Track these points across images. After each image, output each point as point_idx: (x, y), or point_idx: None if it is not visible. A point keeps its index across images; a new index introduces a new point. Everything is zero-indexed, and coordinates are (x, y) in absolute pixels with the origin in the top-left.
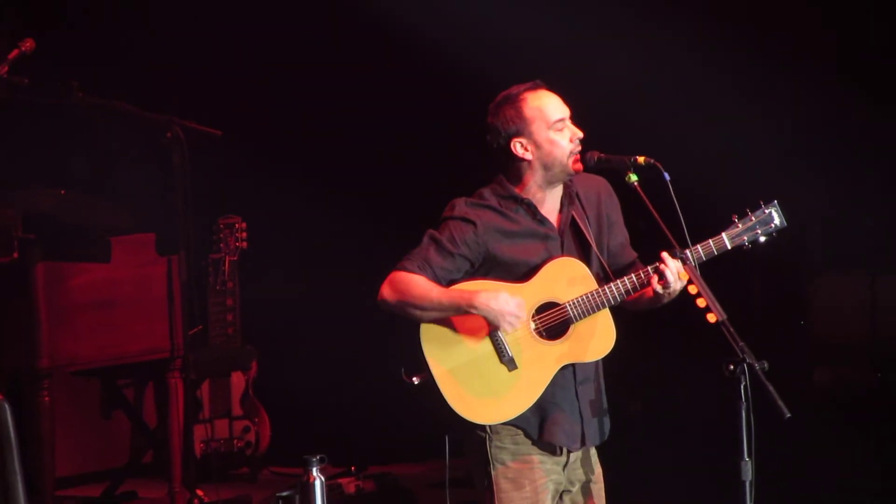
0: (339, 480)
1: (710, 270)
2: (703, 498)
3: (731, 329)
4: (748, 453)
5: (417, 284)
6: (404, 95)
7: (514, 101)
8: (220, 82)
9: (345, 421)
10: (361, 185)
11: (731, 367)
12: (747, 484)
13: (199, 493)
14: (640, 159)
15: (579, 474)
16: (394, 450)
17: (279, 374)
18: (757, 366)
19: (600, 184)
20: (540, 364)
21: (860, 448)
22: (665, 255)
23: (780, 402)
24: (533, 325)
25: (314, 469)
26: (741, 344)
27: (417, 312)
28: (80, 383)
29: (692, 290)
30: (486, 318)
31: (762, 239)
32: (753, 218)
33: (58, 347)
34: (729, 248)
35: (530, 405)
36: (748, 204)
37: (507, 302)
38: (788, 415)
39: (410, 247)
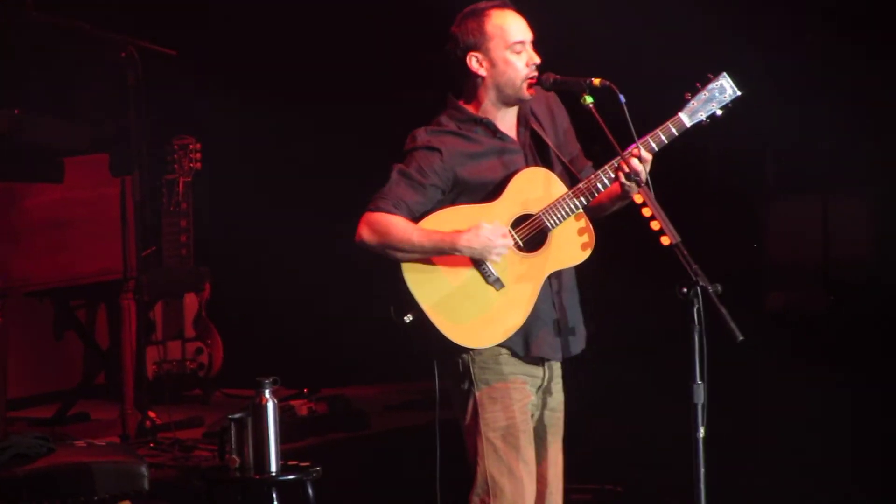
0: (292, 402)
1: (665, 193)
2: (656, 420)
3: (685, 252)
4: (700, 376)
5: (397, 227)
6: (369, 21)
7: (479, 15)
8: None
9: (298, 343)
10: (320, 107)
11: (685, 289)
12: (699, 406)
13: (151, 414)
14: (596, 81)
15: (549, 401)
16: (347, 372)
17: (233, 295)
18: (710, 289)
19: (549, 97)
20: (526, 278)
21: (812, 371)
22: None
23: (733, 325)
24: (512, 240)
25: (266, 391)
26: (695, 267)
27: (399, 255)
28: (32, 304)
29: (646, 212)
30: (473, 257)
31: (719, 112)
32: (706, 92)
33: (11, 268)
34: (688, 125)
35: (526, 319)
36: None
37: (490, 234)
38: (741, 337)
39: (365, 168)
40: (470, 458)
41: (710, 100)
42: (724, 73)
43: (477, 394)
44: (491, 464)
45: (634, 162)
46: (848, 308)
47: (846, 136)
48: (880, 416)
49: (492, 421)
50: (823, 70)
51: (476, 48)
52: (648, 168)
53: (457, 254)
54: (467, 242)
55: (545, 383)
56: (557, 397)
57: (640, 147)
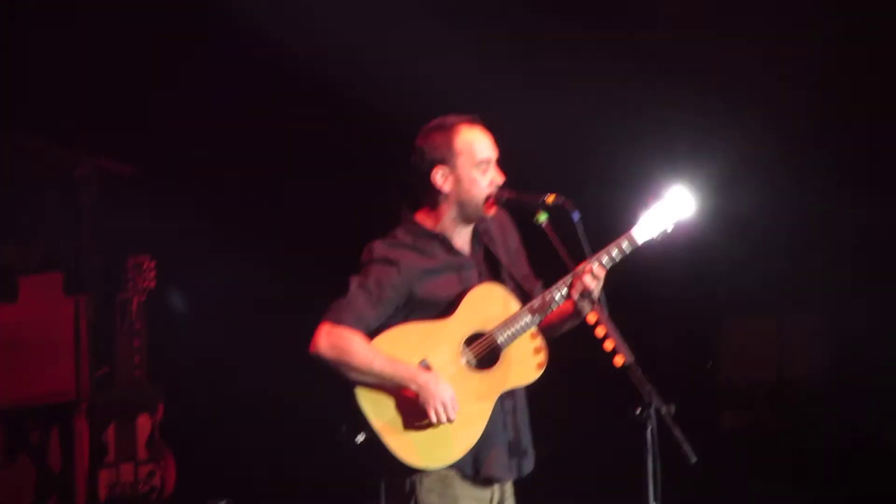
0: None
1: (618, 313)
2: None
3: (639, 372)
4: (654, 497)
5: (358, 350)
6: (318, 137)
7: (447, 130)
8: (131, 119)
9: (252, 464)
10: (273, 225)
11: (638, 410)
12: None
13: None
14: (550, 199)
15: None
16: (302, 493)
17: (186, 415)
18: (664, 409)
19: (501, 216)
20: (478, 396)
21: (767, 492)
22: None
23: (687, 446)
24: (464, 359)
25: None
26: (648, 387)
27: (354, 375)
28: None
29: (600, 332)
30: (419, 398)
31: (670, 230)
32: (659, 208)
33: None
34: (640, 243)
35: (478, 439)
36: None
37: (446, 391)
38: (695, 459)
39: (318, 287)
40: None
41: (662, 217)
42: (678, 189)
43: None
44: None
45: (587, 278)
46: (802, 428)
47: (801, 255)
48: None
49: None
50: (779, 187)
51: (443, 163)
52: (601, 285)
53: (412, 388)
54: (424, 385)
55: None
56: None
57: (594, 263)
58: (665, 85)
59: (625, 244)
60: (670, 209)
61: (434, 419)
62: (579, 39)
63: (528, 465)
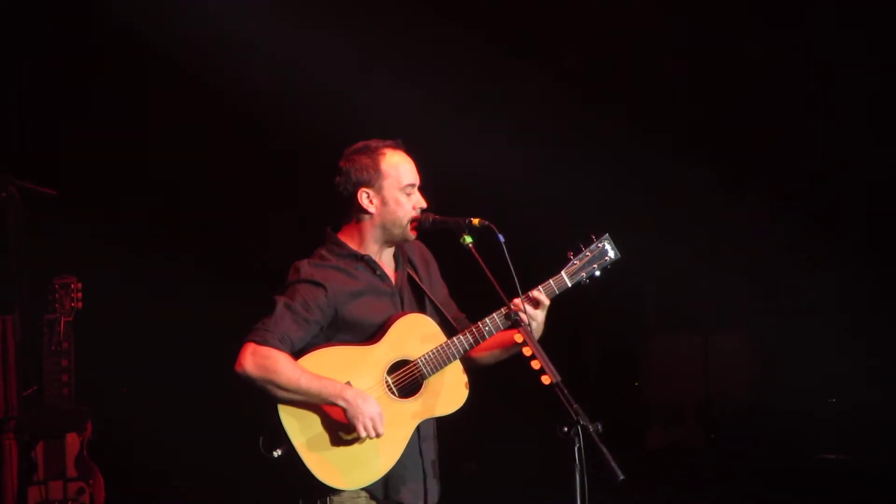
0: None
1: (544, 332)
2: None
3: (566, 391)
4: None
5: (285, 368)
6: (241, 155)
7: (373, 153)
8: (55, 141)
9: (180, 481)
10: (198, 242)
11: (566, 429)
12: None
13: None
14: (475, 221)
15: None
16: None
17: (115, 434)
18: (591, 428)
19: (420, 245)
20: (397, 423)
21: None
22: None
23: (614, 464)
24: (386, 385)
25: None
26: (575, 406)
27: (280, 393)
28: None
29: (526, 352)
30: (346, 414)
31: (597, 273)
32: (588, 253)
33: None
34: (569, 285)
35: (393, 464)
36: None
37: (373, 406)
38: (622, 476)
39: (246, 304)
40: None
41: (591, 261)
42: (607, 235)
43: None
44: None
45: (529, 307)
46: (727, 444)
47: (726, 274)
48: None
49: None
50: (702, 207)
51: (369, 185)
52: (544, 314)
53: (338, 405)
54: (352, 401)
55: None
56: None
57: (540, 291)
58: (595, 112)
59: (554, 286)
60: (599, 255)
61: (363, 434)
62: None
63: (435, 494)
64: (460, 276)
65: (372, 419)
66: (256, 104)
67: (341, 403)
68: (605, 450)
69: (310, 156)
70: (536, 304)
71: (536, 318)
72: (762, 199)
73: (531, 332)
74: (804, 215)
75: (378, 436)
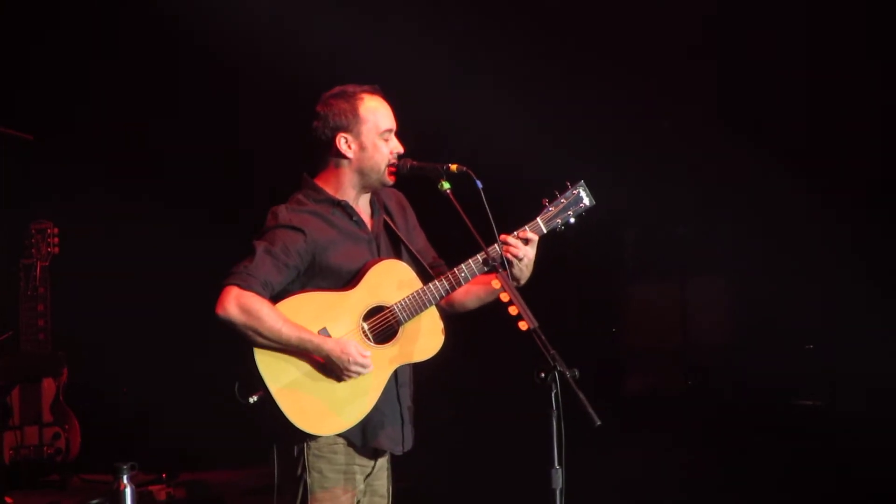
0: (150, 488)
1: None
2: None
3: (543, 337)
4: (558, 461)
5: (268, 315)
6: (220, 99)
7: (351, 98)
8: (31, 85)
9: (156, 428)
10: (176, 191)
11: (543, 374)
12: (557, 492)
13: (9, 500)
14: (453, 167)
15: (377, 485)
16: (205, 457)
17: (91, 380)
18: (568, 373)
19: (397, 192)
20: (374, 369)
21: (670, 454)
22: (502, 237)
23: (591, 410)
24: (362, 331)
25: (124, 476)
26: (552, 352)
27: (260, 340)
28: None
29: (504, 297)
30: (333, 364)
31: (573, 220)
32: (563, 199)
33: None
34: (545, 231)
35: (370, 410)
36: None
37: (355, 355)
38: (599, 422)
39: (224, 249)
40: None
41: (566, 208)
42: (582, 182)
43: (308, 481)
44: None
45: (519, 244)
46: (705, 390)
47: (703, 221)
48: (735, 496)
49: None
50: (680, 155)
51: (347, 129)
52: (534, 251)
53: (318, 355)
54: (332, 351)
55: (373, 471)
56: (384, 484)
57: (526, 230)
58: (572, 64)
59: (530, 232)
60: (574, 202)
61: (356, 376)
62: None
63: (411, 440)
64: (438, 223)
65: (356, 363)
66: (227, 42)
67: (322, 355)
68: (581, 395)
69: (285, 98)
70: (526, 241)
71: (528, 254)
72: (740, 142)
73: (509, 278)
74: (783, 156)
75: (368, 370)
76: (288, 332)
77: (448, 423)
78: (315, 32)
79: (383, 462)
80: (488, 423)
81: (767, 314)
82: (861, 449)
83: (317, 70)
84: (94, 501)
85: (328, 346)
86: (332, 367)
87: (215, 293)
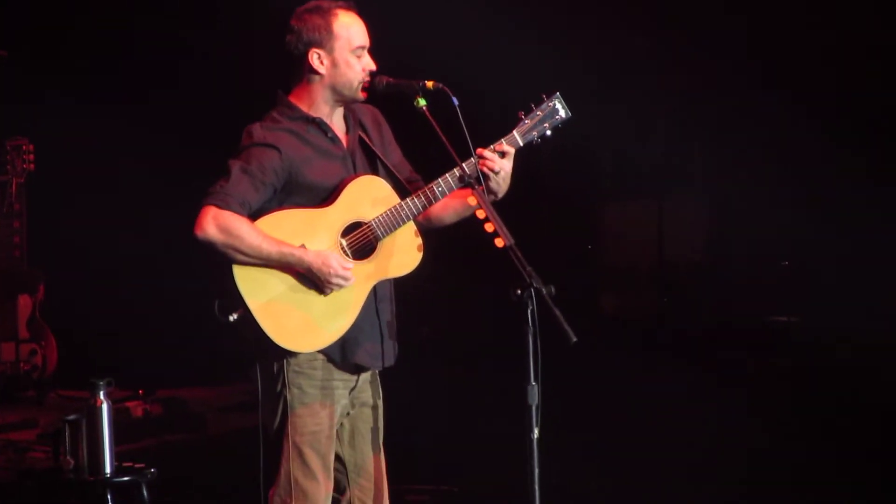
0: (127, 404)
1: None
2: (490, 422)
3: (519, 254)
4: (534, 377)
5: (248, 233)
6: (200, 17)
7: (325, 13)
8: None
9: (132, 345)
10: (152, 109)
11: (519, 291)
12: (534, 408)
13: None
14: (429, 84)
15: (364, 397)
16: (182, 373)
17: (67, 297)
18: (544, 290)
19: (372, 108)
20: (352, 285)
21: (647, 373)
22: (478, 151)
23: (567, 327)
24: (341, 247)
25: (101, 393)
26: (529, 269)
27: (241, 258)
28: None
29: (480, 214)
30: (314, 277)
31: (549, 133)
32: (539, 112)
33: None
34: (521, 144)
35: (350, 325)
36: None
37: (336, 267)
38: (575, 339)
39: (201, 166)
40: (273, 456)
41: (542, 120)
42: (557, 94)
43: (288, 397)
44: (295, 467)
45: (496, 157)
46: (681, 307)
47: (680, 139)
48: (711, 414)
49: (300, 426)
50: (656, 71)
51: (319, 45)
52: (510, 163)
53: (299, 268)
54: (314, 263)
55: (357, 384)
56: (371, 398)
57: (496, 144)
58: None
59: (506, 145)
60: (550, 114)
61: (337, 289)
62: None
63: (392, 356)
64: (416, 138)
65: (338, 275)
66: None
67: (304, 268)
68: (558, 312)
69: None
70: (503, 154)
71: (504, 167)
72: (717, 64)
73: (484, 194)
74: (759, 80)
75: (349, 282)
76: (268, 248)
77: (426, 340)
78: None
79: (367, 375)
80: (464, 340)
81: (743, 231)
82: (834, 366)
83: None
84: (71, 417)
85: (309, 258)
86: (313, 280)
87: (193, 213)
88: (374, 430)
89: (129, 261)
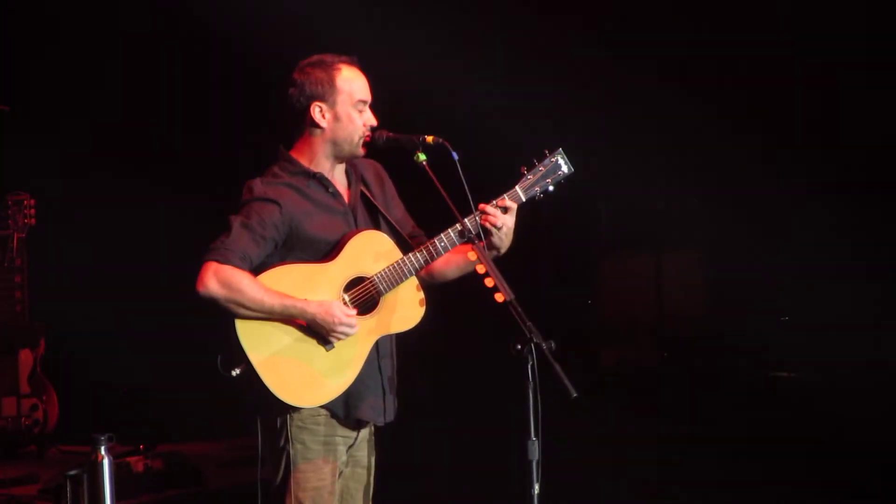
0: (128, 459)
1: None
2: (490, 478)
3: (519, 309)
4: (535, 433)
5: (249, 286)
6: (195, 73)
7: (328, 67)
8: (7, 56)
9: (134, 400)
10: (154, 164)
11: (519, 346)
12: (534, 463)
13: None
14: (429, 139)
15: (359, 456)
16: (182, 429)
17: (68, 352)
18: (544, 345)
19: (374, 163)
20: (355, 340)
21: (644, 426)
22: (480, 206)
23: (567, 382)
24: (343, 302)
25: (102, 448)
26: (529, 324)
27: (244, 312)
28: None
29: (480, 269)
30: (318, 327)
31: (551, 188)
32: (542, 167)
33: None
34: (523, 199)
35: (352, 381)
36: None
37: (340, 316)
38: (575, 394)
39: (202, 221)
40: None
41: (545, 175)
42: (560, 150)
43: (291, 452)
44: None
45: (499, 213)
46: (680, 362)
47: (679, 194)
48: (712, 465)
49: (303, 482)
50: (656, 128)
51: (322, 99)
52: (513, 218)
53: (302, 320)
54: (317, 313)
55: (356, 442)
56: (366, 456)
57: (498, 200)
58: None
59: (509, 201)
60: (552, 169)
61: (342, 338)
62: None
63: (393, 411)
64: (418, 193)
65: (342, 323)
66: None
67: (308, 319)
68: (558, 367)
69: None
70: (505, 210)
71: (507, 223)
72: (720, 116)
73: (484, 249)
74: (762, 132)
75: (354, 330)
76: (271, 300)
77: (426, 395)
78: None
79: (365, 433)
80: (465, 396)
81: (742, 287)
82: (835, 420)
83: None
84: (72, 472)
85: (312, 308)
86: (317, 332)
87: (195, 268)
88: (366, 490)
89: (130, 315)
